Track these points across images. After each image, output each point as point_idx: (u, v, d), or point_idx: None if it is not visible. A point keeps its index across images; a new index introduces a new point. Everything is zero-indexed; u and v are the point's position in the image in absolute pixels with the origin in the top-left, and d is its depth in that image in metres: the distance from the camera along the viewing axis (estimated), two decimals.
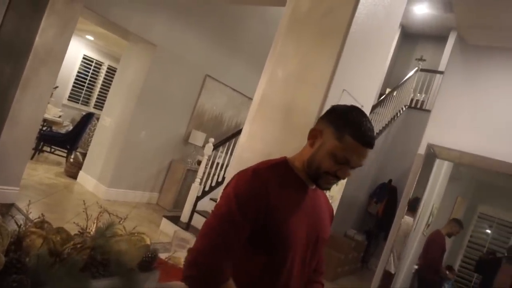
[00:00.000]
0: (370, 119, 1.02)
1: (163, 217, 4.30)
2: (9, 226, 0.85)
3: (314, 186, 1.08)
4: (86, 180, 4.92)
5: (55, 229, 0.90)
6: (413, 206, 3.26)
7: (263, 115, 1.68)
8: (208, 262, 0.88)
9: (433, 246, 3.95)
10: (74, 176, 5.06)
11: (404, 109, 6.67)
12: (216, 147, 4.57)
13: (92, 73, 7.74)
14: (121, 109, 4.85)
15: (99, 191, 4.70)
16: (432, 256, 3.94)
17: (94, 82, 7.86)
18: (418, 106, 6.89)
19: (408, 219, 3.31)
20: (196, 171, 4.68)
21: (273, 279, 0.98)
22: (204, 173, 4.38)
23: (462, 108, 3.12)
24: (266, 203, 0.93)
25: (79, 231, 0.96)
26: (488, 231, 5.54)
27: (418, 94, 7.02)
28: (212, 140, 4.47)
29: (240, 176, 0.99)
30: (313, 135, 1.02)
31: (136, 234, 1.08)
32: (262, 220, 0.93)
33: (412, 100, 6.95)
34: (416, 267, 4.00)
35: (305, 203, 1.04)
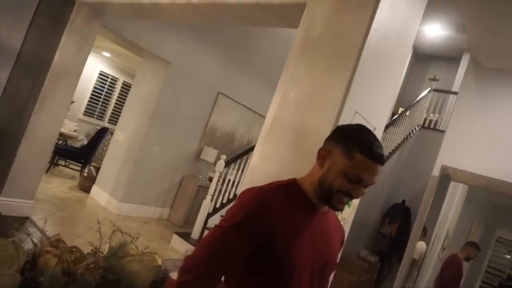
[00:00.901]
0: (377, 137, 1.01)
1: (174, 233, 4.30)
2: (25, 243, 0.86)
3: (325, 209, 1.07)
4: (99, 194, 4.97)
5: (69, 248, 0.91)
6: (427, 229, 3.19)
7: (274, 136, 1.69)
8: (200, 270, 0.88)
9: (449, 269, 3.83)
10: (87, 190, 5.13)
11: (417, 129, 6.61)
12: (227, 164, 4.58)
13: (107, 89, 7.92)
14: (135, 125, 4.94)
15: (111, 206, 4.74)
16: (448, 280, 3.82)
17: (109, 97, 8.03)
18: (432, 126, 6.81)
19: (422, 242, 3.24)
20: (207, 188, 4.69)
21: None
22: (215, 189, 4.39)
23: (476, 130, 3.09)
24: (267, 222, 0.92)
25: (92, 250, 0.97)
26: (507, 256, 5.38)
27: (432, 114, 6.95)
28: (224, 157, 4.49)
29: (245, 193, 0.99)
30: (322, 155, 1.01)
31: (148, 254, 1.08)
32: (263, 239, 0.92)
33: (425, 120, 6.89)
34: None
35: (313, 225, 1.02)
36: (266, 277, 0.95)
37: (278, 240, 0.93)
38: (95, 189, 5.08)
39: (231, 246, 0.91)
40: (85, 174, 5.29)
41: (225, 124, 5.85)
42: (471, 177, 2.91)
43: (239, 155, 4.84)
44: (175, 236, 4.23)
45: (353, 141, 0.96)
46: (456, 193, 3.52)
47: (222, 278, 1.00)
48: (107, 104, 8.01)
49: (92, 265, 0.86)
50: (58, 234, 0.90)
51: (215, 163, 4.88)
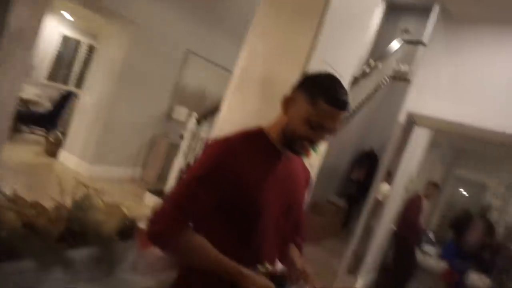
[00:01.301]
0: (342, 83, 1.01)
1: (147, 190, 4.33)
2: None
3: (289, 153, 1.09)
4: (68, 158, 4.87)
5: (29, 203, 0.92)
6: (391, 172, 3.38)
7: (243, 88, 1.69)
8: (168, 220, 0.91)
9: (411, 208, 4.13)
10: (54, 155, 5.00)
11: (387, 80, 6.72)
12: (199, 121, 4.55)
13: (71, 52, 7.49)
14: (101, 87, 4.75)
15: (81, 169, 4.67)
16: (410, 217, 4.13)
17: (74, 61, 7.62)
18: (402, 77, 6.93)
19: (386, 184, 3.43)
20: (179, 146, 4.68)
21: (245, 246, 0.99)
22: (187, 146, 4.39)
23: (442, 78, 3.17)
24: (234, 172, 0.95)
25: (55, 205, 0.98)
26: (464, 193, 5.78)
27: (402, 66, 7.05)
28: (195, 115, 4.45)
29: (211, 145, 1.01)
30: (287, 102, 1.02)
31: (114, 205, 1.11)
32: (230, 187, 0.95)
33: (395, 71, 6.99)
34: (394, 227, 4.18)
35: (279, 170, 1.05)
36: (233, 223, 1.00)
37: (244, 188, 0.96)
38: (63, 153, 4.96)
39: (198, 198, 0.93)
40: (51, 139, 5.13)
41: (196, 83, 5.73)
42: (435, 122, 3.03)
43: (210, 112, 4.80)
44: (148, 194, 4.27)
45: (317, 88, 0.96)
46: (420, 137, 3.68)
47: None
48: (71, 68, 7.62)
49: (54, 218, 0.87)
50: (15, 190, 0.90)
51: (186, 121, 4.85)
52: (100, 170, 4.74)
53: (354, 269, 3.15)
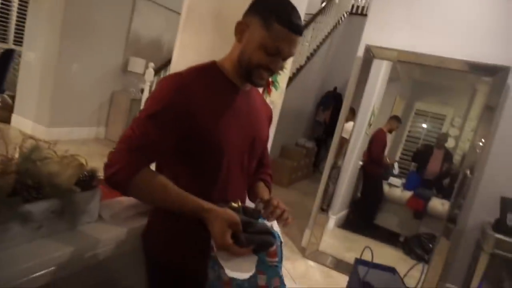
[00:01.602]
0: (296, 7, 0.96)
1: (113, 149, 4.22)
2: None
3: (247, 87, 1.06)
4: (22, 122, 4.59)
5: None
6: (354, 109, 3.43)
7: (192, 24, 1.59)
8: (124, 161, 0.87)
9: (375, 142, 4.30)
10: (6, 120, 4.69)
11: (345, 15, 6.62)
12: (157, 72, 4.36)
13: (2, 4, 6.72)
14: (44, 42, 4.37)
15: (38, 133, 4.43)
16: (375, 151, 4.31)
17: (8, 14, 6.88)
18: (359, 11, 6.85)
19: (350, 122, 3.50)
20: (140, 100, 4.51)
21: (211, 186, 0.98)
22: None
23: (398, 7, 3.15)
24: (189, 107, 0.91)
25: (0, 159, 0.91)
26: (424, 125, 6.02)
27: (359, 0, 6.94)
28: (152, 65, 4.25)
29: (162, 81, 0.95)
30: (240, 29, 0.97)
31: (69, 156, 1.05)
32: (186, 123, 0.91)
33: (353, 6, 6.88)
34: (361, 163, 4.35)
35: (237, 105, 1.02)
36: (196, 163, 0.97)
37: (202, 123, 0.93)
38: (15, 118, 4.67)
39: (153, 137, 0.89)
40: None
41: (149, 31, 5.39)
42: (394, 54, 3.06)
43: (168, 60, 4.59)
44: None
45: (271, 11, 0.91)
46: (380, 72, 3.72)
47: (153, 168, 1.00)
48: (7, 22, 6.89)
49: (1, 171, 0.81)
50: None
51: (144, 73, 4.63)
52: (61, 133, 4.53)
53: (326, 206, 3.30)
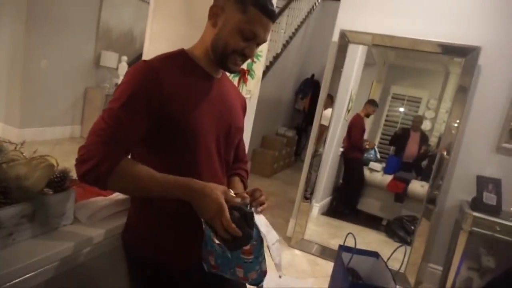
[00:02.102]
0: None
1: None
2: None
3: (219, 75, 1.05)
4: None
5: None
6: (332, 95, 3.44)
7: (162, 12, 1.54)
8: (98, 156, 0.82)
9: (354, 128, 4.34)
10: None
11: (319, 1, 6.61)
12: (130, 65, 4.25)
13: None
14: (7, 36, 4.17)
15: (9, 134, 4.26)
16: (354, 137, 4.36)
17: None
18: None
19: (329, 109, 3.51)
20: None
21: (187, 175, 0.92)
22: None
23: None
24: (160, 92, 0.87)
25: None
26: (401, 109, 6.13)
27: None
28: (125, 58, 4.13)
29: (130, 70, 0.91)
30: (214, 13, 0.94)
31: (37, 157, 0.99)
32: (158, 111, 0.88)
33: None
34: (341, 149, 4.40)
35: (210, 92, 0.99)
36: (172, 150, 0.94)
37: (175, 110, 0.90)
38: None
39: (126, 127, 0.85)
40: None
41: (120, 23, 5.22)
42: (369, 38, 3.07)
43: (142, 53, 4.47)
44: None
45: None
46: (355, 57, 3.74)
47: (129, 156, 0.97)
48: None
49: None
50: None
51: (117, 67, 4.49)
52: (34, 133, 4.37)
53: (309, 195, 3.32)
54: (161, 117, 0.88)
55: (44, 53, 4.30)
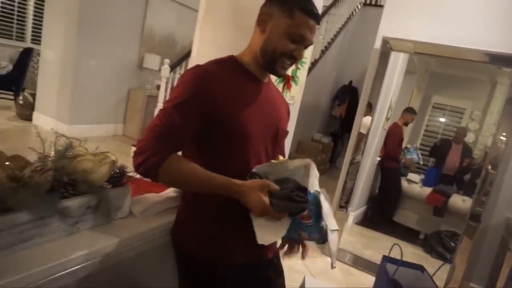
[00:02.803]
0: None
1: (132, 146, 4.28)
2: None
3: (266, 80, 1.09)
4: (43, 120, 4.69)
5: (11, 157, 0.87)
6: (371, 103, 3.39)
7: (211, 19, 1.59)
8: (152, 148, 0.90)
9: (391, 137, 4.25)
10: (28, 118, 4.80)
11: (359, 7, 6.53)
12: (172, 68, 4.39)
13: (19, 3, 6.84)
14: (62, 39, 4.44)
15: (60, 130, 4.50)
16: (391, 146, 4.26)
17: (24, 13, 7.00)
18: (373, 2, 6.75)
19: (368, 116, 3.46)
20: (156, 97, 4.55)
21: (236, 175, 0.97)
22: (165, 96, 4.27)
23: None
24: (213, 94, 0.93)
25: (38, 157, 0.93)
26: (442, 119, 5.93)
27: None
28: (167, 61, 4.27)
29: (185, 73, 0.97)
30: (263, 20, 1.00)
31: (100, 153, 1.06)
32: (211, 111, 0.93)
33: None
34: (378, 158, 4.32)
35: (259, 97, 1.04)
36: (221, 152, 0.98)
37: (226, 113, 0.95)
38: (37, 115, 4.77)
39: (178, 126, 0.91)
40: (20, 102, 4.88)
41: (163, 27, 5.42)
42: (411, 45, 3.00)
43: (184, 56, 4.62)
44: (133, 149, 4.21)
45: (291, 0, 0.96)
46: (397, 65, 3.67)
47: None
48: (23, 21, 7.01)
49: (39, 168, 0.83)
50: None
51: (159, 70, 4.66)
52: (81, 130, 4.61)
53: (345, 203, 3.28)
54: (212, 119, 0.94)
55: (93, 55, 4.54)
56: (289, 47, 0.97)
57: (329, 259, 1.07)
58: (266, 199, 0.88)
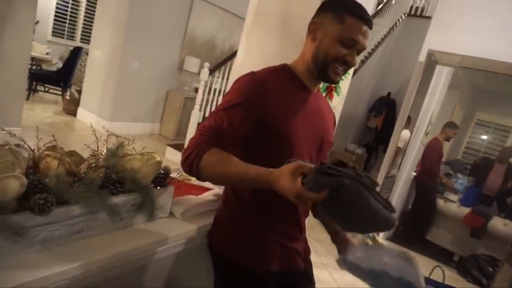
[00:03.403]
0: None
1: (167, 146, 4.39)
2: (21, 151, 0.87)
3: (316, 90, 1.10)
4: (86, 116, 4.93)
5: (68, 152, 0.93)
6: (411, 117, 3.30)
7: (259, 27, 1.62)
8: (196, 145, 0.91)
9: (430, 152, 4.10)
10: (73, 113, 5.06)
11: (403, 17, 6.38)
12: (212, 71, 4.48)
13: (72, 5, 7.25)
14: (109, 40, 4.66)
15: (100, 126, 4.73)
16: (429, 162, 4.11)
17: (76, 14, 7.40)
18: (418, 13, 6.58)
19: (406, 130, 3.37)
20: (194, 99, 4.66)
21: None
22: (202, 99, 4.36)
23: (463, 12, 2.99)
24: (265, 100, 0.94)
25: (90, 154, 0.98)
26: (484, 136, 5.67)
27: (418, 1, 6.66)
28: (207, 64, 4.37)
29: (239, 78, 1.00)
30: (313, 28, 1.01)
31: (146, 153, 1.11)
32: (260, 117, 0.94)
33: (411, 7, 6.62)
34: (414, 174, 4.18)
35: (308, 105, 1.05)
36: (267, 158, 0.96)
37: (275, 119, 0.96)
38: (81, 111, 5.01)
39: (226, 130, 0.93)
40: (67, 97, 5.16)
41: (204, 31, 5.55)
42: (458, 59, 2.91)
43: (223, 61, 4.70)
44: (169, 149, 4.33)
45: (341, 6, 0.96)
46: (440, 79, 3.55)
47: None
48: (75, 22, 7.42)
49: (93, 165, 0.88)
50: (55, 140, 0.90)
51: (199, 72, 4.77)
52: (120, 127, 4.81)
53: None
54: (261, 124, 0.95)
55: (136, 56, 4.73)
56: (341, 52, 0.96)
57: None
58: (297, 181, 0.77)
